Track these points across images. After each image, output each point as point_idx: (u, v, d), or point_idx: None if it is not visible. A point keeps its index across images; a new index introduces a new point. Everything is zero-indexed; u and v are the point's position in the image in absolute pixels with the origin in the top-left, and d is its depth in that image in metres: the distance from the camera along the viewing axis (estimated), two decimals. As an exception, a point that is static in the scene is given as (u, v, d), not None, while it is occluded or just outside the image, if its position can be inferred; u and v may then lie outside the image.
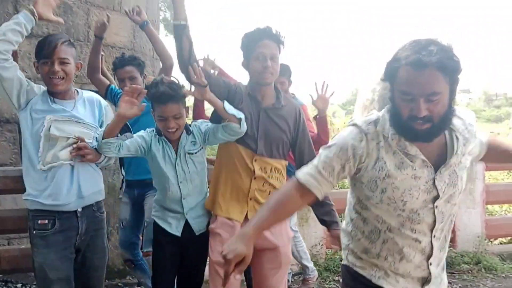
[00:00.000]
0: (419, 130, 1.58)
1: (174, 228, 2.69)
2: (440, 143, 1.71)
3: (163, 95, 2.56)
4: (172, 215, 2.71)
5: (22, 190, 3.63)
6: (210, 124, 2.74)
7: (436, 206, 1.69)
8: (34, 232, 2.52)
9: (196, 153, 2.70)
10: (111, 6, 5.14)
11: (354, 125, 1.74)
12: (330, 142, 1.78)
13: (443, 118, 1.59)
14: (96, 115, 2.68)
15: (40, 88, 2.55)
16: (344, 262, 1.92)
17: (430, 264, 1.76)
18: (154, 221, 2.77)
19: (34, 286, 4.09)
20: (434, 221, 1.71)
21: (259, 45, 2.57)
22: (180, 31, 2.50)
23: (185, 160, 2.67)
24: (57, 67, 2.46)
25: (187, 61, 2.50)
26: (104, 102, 2.79)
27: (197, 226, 2.71)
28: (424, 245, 1.73)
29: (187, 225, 2.69)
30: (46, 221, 2.50)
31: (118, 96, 3.52)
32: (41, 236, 2.50)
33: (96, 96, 2.78)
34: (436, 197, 1.68)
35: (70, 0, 4.78)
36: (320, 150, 1.81)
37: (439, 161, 1.69)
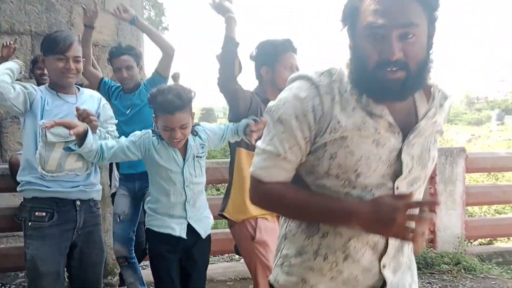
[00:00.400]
0: (390, 80, 1.22)
1: (178, 231, 2.57)
2: (409, 105, 1.36)
3: (171, 105, 2.39)
4: (175, 220, 2.58)
5: (4, 189, 3.60)
6: (215, 126, 2.76)
7: (397, 187, 1.32)
8: (30, 223, 2.52)
9: (203, 155, 2.65)
10: (94, 4, 5.09)
11: (303, 77, 1.35)
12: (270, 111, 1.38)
13: (420, 68, 1.25)
14: (95, 111, 2.67)
15: (34, 87, 2.57)
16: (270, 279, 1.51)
17: (383, 266, 1.36)
18: (150, 231, 2.64)
19: (13, 286, 4.04)
20: None
21: (287, 55, 2.74)
22: (233, 48, 2.61)
23: (193, 163, 2.59)
24: (72, 65, 2.53)
25: (230, 83, 2.60)
26: (103, 100, 2.80)
27: (203, 229, 2.64)
28: (376, 238, 1.34)
29: (189, 228, 2.59)
30: (44, 214, 2.51)
31: (113, 89, 3.52)
32: (37, 227, 2.50)
33: (97, 94, 2.81)
34: (398, 174, 1.31)
35: (53, -3, 4.72)
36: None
37: (408, 128, 1.33)
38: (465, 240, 4.82)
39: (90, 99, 2.70)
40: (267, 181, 1.36)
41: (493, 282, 4.26)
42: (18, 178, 2.59)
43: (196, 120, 2.73)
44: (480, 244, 5.48)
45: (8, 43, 3.47)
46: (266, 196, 1.38)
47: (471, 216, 6.53)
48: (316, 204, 1.32)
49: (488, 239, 5.51)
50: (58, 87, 2.59)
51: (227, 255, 4.95)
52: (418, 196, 1.40)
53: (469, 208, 6.14)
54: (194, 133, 2.62)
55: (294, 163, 1.35)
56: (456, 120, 32.37)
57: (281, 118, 1.32)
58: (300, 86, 1.33)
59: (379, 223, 1.21)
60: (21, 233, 2.70)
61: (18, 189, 2.60)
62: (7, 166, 3.47)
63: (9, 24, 4.53)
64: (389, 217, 1.19)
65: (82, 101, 2.62)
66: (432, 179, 4.59)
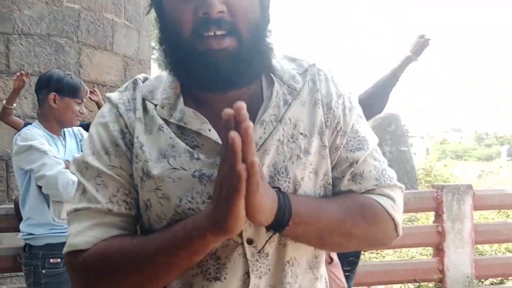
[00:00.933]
0: (215, 51, 0.88)
1: None
2: (252, 101, 0.97)
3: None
4: None
5: (8, 228, 3.60)
6: None
7: (250, 241, 0.92)
8: (44, 271, 2.50)
9: None
10: (102, 45, 5.22)
11: (106, 100, 1.03)
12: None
13: (255, 34, 0.92)
14: (79, 145, 2.79)
15: (49, 144, 2.57)
16: None
17: None
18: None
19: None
20: (247, 272, 0.93)
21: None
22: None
23: None
24: (84, 109, 2.74)
25: None
26: (80, 130, 2.87)
27: None
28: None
29: None
30: (59, 260, 2.49)
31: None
32: (53, 274, 2.49)
33: (72, 129, 2.86)
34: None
35: (62, 39, 4.85)
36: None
37: None
38: (475, 280, 4.71)
39: (70, 136, 2.78)
40: (86, 248, 0.92)
41: (505, 324, 4.14)
42: (24, 230, 2.59)
43: None
44: (492, 284, 5.35)
45: (19, 75, 3.51)
46: (87, 267, 0.91)
47: (482, 254, 6.40)
48: (155, 241, 0.87)
49: (500, 278, 5.38)
50: (58, 129, 2.68)
51: None
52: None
53: (479, 246, 6.02)
54: None
55: (124, 216, 0.95)
56: (466, 156, 32.19)
57: (87, 161, 0.96)
58: (101, 112, 1.01)
59: (223, 199, 0.75)
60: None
61: (24, 238, 2.58)
62: (12, 205, 3.48)
63: (19, 66, 4.63)
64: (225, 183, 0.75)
65: (68, 141, 2.73)
66: (439, 216, 4.54)
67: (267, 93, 1.00)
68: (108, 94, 1.03)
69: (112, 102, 1.00)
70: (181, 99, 0.97)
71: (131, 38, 5.67)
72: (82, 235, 0.92)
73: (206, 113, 0.95)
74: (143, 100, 0.99)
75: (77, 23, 4.97)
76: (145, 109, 0.98)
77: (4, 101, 3.60)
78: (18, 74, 3.56)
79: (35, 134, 2.52)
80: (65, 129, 2.77)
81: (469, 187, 4.77)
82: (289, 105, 0.98)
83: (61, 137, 2.70)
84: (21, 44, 4.64)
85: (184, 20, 0.89)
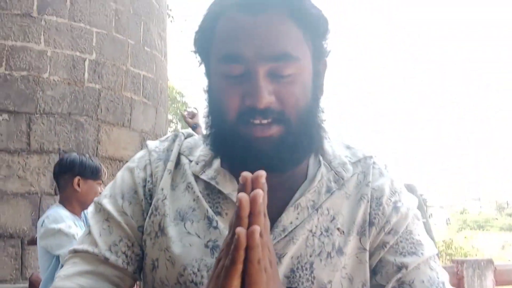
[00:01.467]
0: (258, 139, 0.83)
1: None
2: (294, 183, 0.91)
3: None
4: None
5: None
6: None
7: None
8: None
9: None
10: (121, 122, 5.39)
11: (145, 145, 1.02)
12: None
13: (305, 120, 0.86)
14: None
15: (63, 218, 2.61)
16: None
17: None
18: None
19: None
20: None
21: None
22: None
23: None
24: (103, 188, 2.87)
25: None
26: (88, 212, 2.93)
27: None
28: None
29: None
30: None
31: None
32: None
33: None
34: None
35: (82, 117, 5.03)
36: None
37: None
38: None
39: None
40: None
41: None
42: None
43: None
44: None
45: None
46: None
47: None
48: None
49: None
50: (79, 211, 2.74)
51: None
52: None
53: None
54: None
55: (120, 270, 0.89)
56: (487, 226, 31.35)
57: (101, 203, 0.93)
58: (134, 157, 0.99)
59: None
60: None
61: None
62: (26, 284, 3.47)
63: (39, 144, 4.78)
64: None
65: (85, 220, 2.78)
66: (460, 293, 4.38)
67: (312, 174, 0.92)
68: (147, 141, 1.02)
69: (147, 148, 0.98)
70: (218, 160, 0.92)
71: (148, 115, 5.85)
72: (68, 280, 0.87)
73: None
74: (179, 154, 0.95)
75: (97, 101, 5.17)
76: (178, 164, 0.94)
77: None
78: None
79: (63, 216, 2.58)
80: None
81: (490, 261, 4.64)
82: (332, 193, 0.89)
83: (82, 218, 2.75)
84: (43, 123, 4.81)
85: (230, 104, 0.84)
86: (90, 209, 0.97)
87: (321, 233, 0.87)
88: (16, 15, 4.82)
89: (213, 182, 0.89)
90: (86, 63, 5.12)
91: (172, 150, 0.96)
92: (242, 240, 0.62)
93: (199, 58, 0.93)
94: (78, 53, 5.07)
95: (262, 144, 0.83)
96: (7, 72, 4.72)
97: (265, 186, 0.66)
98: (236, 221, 0.63)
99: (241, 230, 0.62)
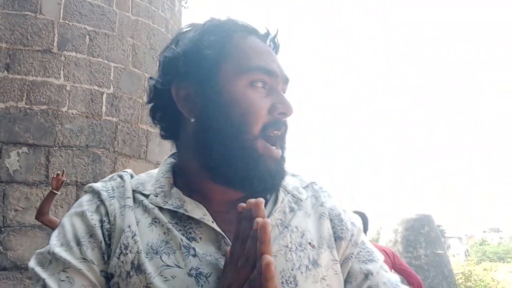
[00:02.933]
0: (271, 159, 0.89)
1: None
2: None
3: None
4: None
5: None
6: None
7: None
8: None
9: None
10: (137, 154, 5.46)
11: (85, 192, 0.98)
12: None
13: (285, 149, 0.96)
14: None
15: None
16: None
17: None
18: None
19: None
20: None
21: None
22: None
23: None
24: None
25: None
26: None
27: None
28: None
29: None
30: None
31: None
32: None
33: None
34: None
35: (99, 149, 5.11)
36: None
37: None
38: None
39: None
40: None
41: None
42: None
43: None
44: None
45: (56, 175, 3.76)
46: None
47: None
48: None
49: None
50: None
51: None
52: None
53: None
54: None
55: None
56: (508, 257, 30.62)
57: (53, 252, 0.86)
58: (79, 202, 0.94)
59: None
60: None
61: None
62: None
63: (57, 176, 4.85)
64: None
65: None
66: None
67: (271, 198, 0.98)
68: (88, 185, 0.96)
69: (93, 190, 0.94)
70: (178, 190, 0.93)
71: (164, 146, 5.93)
72: None
73: (206, 202, 0.91)
74: (133, 191, 0.93)
75: (114, 134, 5.26)
76: (135, 201, 0.91)
77: (41, 202, 3.84)
78: (55, 174, 3.78)
79: None
80: None
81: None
82: (295, 213, 0.97)
83: None
84: (61, 156, 4.90)
85: (259, 114, 0.88)
86: (33, 263, 0.87)
87: (296, 248, 0.92)
88: (37, 51, 4.97)
89: (181, 210, 0.89)
90: (104, 96, 5.24)
91: (124, 187, 0.94)
92: (272, 270, 0.68)
93: (176, 73, 0.92)
94: (96, 87, 5.20)
95: (272, 163, 0.89)
96: (27, 106, 4.85)
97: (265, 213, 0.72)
98: (260, 247, 0.69)
99: (270, 260, 0.68)
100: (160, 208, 0.90)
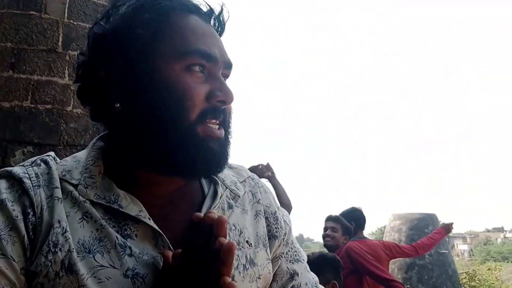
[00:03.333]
0: (214, 140, 0.85)
1: None
2: (190, 196, 0.92)
3: None
4: None
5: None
6: None
7: None
8: None
9: None
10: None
11: (2, 175, 0.86)
12: None
13: (230, 126, 0.91)
14: None
15: None
16: None
17: None
18: None
19: None
20: None
21: None
22: None
23: None
24: None
25: None
26: None
27: None
28: None
29: None
30: None
31: None
32: None
33: None
34: None
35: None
36: None
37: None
38: None
39: None
40: None
41: None
42: None
43: None
44: None
45: None
46: None
47: None
48: None
49: None
50: None
51: None
52: None
53: None
54: None
55: None
56: (512, 257, 30.51)
57: None
58: None
59: None
60: None
61: None
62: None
63: (62, 175, 4.86)
64: None
65: None
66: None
67: (209, 191, 0.94)
68: (4, 169, 0.86)
69: (13, 175, 0.83)
70: (110, 181, 0.85)
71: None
72: None
73: (140, 194, 0.85)
74: (60, 180, 0.84)
75: (118, 133, 5.28)
76: (63, 191, 0.83)
77: None
78: None
79: None
80: None
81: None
82: (233, 210, 0.94)
83: None
84: (66, 155, 4.90)
85: (195, 101, 0.82)
86: None
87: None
88: (42, 51, 4.99)
89: (115, 206, 0.82)
90: (108, 96, 5.26)
91: (50, 174, 0.85)
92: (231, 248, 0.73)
93: (120, 54, 0.85)
94: (100, 87, 5.22)
95: (215, 145, 0.84)
96: (32, 106, 4.87)
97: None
98: (222, 269, 0.72)
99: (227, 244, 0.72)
100: (92, 202, 0.82)
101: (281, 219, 1.01)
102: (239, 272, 0.88)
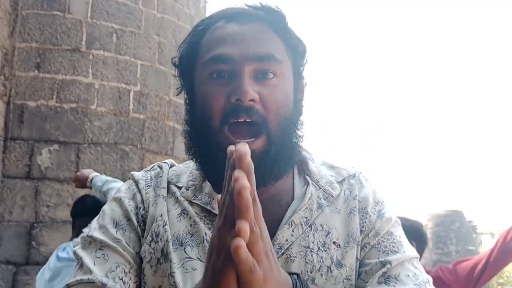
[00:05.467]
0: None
1: None
2: (278, 199, 0.92)
3: None
4: None
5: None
6: None
7: None
8: None
9: None
10: (164, 151, 5.52)
11: (129, 177, 1.02)
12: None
13: (284, 129, 0.88)
14: None
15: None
16: None
17: None
18: None
19: None
20: None
21: None
22: None
23: None
24: None
25: None
26: None
27: None
28: None
29: None
30: None
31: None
32: None
33: None
34: None
35: (127, 146, 5.18)
36: None
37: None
38: None
39: None
40: None
41: None
42: None
43: None
44: None
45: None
46: None
47: None
48: None
49: None
50: None
51: None
52: None
53: None
54: None
55: None
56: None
57: (92, 235, 0.90)
58: (119, 188, 0.99)
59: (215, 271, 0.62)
60: None
61: None
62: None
63: (87, 173, 4.94)
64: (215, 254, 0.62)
65: None
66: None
67: (300, 193, 0.94)
68: (132, 172, 1.01)
69: (133, 178, 0.98)
70: (209, 185, 0.93)
71: (190, 143, 5.98)
72: None
73: None
74: (168, 182, 0.95)
75: (141, 131, 5.32)
76: (168, 191, 0.94)
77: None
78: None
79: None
80: None
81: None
82: (323, 209, 0.91)
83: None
84: (90, 153, 4.99)
85: (216, 106, 0.86)
86: (77, 247, 0.92)
87: (319, 249, 0.87)
88: (66, 50, 5.07)
89: (208, 207, 0.90)
90: (131, 94, 5.31)
91: (161, 177, 0.97)
92: (244, 230, 0.56)
93: (182, 79, 0.97)
94: (123, 85, 5.27)
95: None
96: (57, 105, 4.95)
97: (252, 166, 0.60)
98: (237, 213, 0.57)
99: (241, 225, 0.56)
100: (190, 202, 0.92)
101: (372, 214, 0.94)
102: (321, 274, 0.86)
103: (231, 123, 0.85)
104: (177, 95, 1.06)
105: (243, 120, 0.84)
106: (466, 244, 10.00)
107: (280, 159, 0.87)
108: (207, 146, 0.88)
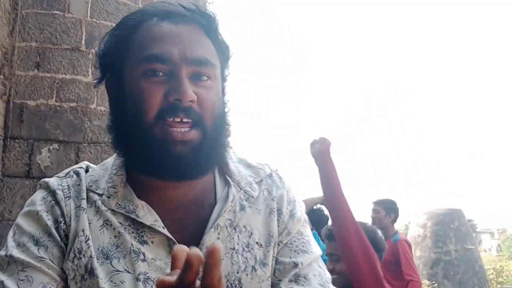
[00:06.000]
0: (180, 143, 0.85)
1: None
2: (202, 196, 0.95)
3: None
4: None
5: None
6: None
7: None
8: None
9: None
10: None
11: (40, 186, 0.96)
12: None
13: (217, 129, 0.91)
14: None
15: None
16: None
17: None
18: None
19: None
20: None
21: None
22: None
23: None
24: None
25: None
26: None
27: None
28: None
29: None
30: None
31: None
32: None
33: None
34: None
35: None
36: None
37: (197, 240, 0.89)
38: None
39: None
40: None
41: None
42: None
43: None
44: None
45: None
46: None
47: None
48: None
49: None
50: None
51: None
52: None
53: None
54: None
55: None
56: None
57: (11, 254, 0.85)
58: (32, 199, 0.93)
59: None
60: None
61: None
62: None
63: (87, 172, 4.94)
64: None
65: None
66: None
67: (222, 193, 0.96)
68: (44, 180, 0.95)
69: (48, 187, 0.93)
70: (130, 189, 0.92)
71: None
72: None
73: (155, 200, 0.90)
74: (87, 190, 0.92)
75: (141, 130, 5.33)
76: (88, 201, 0.91)
77: None
78: None
79: None
80: None
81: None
82: (245, 211, 0.94)
83: None
84: (90, 152, 4.99)
85: (152, 102, 0.86)
86: None
87: (243, 249, 0.91)
88: (66, 50, 5.06)
89: (133, 216, 0.88)
90: (131, 93, 5.31)
91: (79, 185, 0.93)
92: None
93: (108, 71, 0.95)
94: (123, 84, 5.27)
95: (182, 148, 0.85)
96: (57, 104, 4.95)
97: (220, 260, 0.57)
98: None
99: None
100: (113, 211, 0.89)
101: (285, 213, 0.99)
102: (247, 274, 0.90)
103: (168, 120, 0.86)
104: (94, 87, 1.04)
105: (179, 119, 0.86)
106: (465, 243, 10.02)
107: (212, 153, 0.90)
108: (139, 140, 0.87)
